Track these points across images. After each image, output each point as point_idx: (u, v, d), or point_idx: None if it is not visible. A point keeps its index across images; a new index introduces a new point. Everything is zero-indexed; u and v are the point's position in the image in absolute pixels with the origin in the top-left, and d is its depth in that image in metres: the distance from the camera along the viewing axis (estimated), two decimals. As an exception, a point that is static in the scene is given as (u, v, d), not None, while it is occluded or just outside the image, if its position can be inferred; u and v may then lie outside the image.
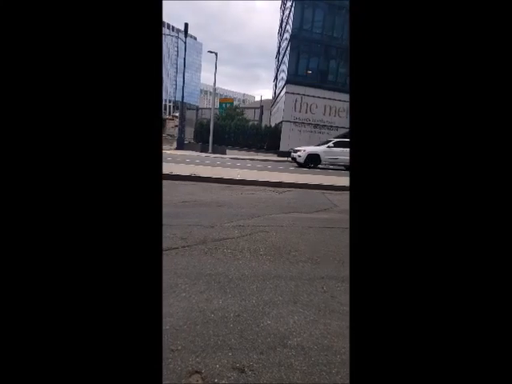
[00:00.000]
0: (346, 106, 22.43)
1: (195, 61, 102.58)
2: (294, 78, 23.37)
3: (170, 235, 2.54)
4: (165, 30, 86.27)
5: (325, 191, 6.09)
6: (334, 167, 13.03)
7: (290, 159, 13.58)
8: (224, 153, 19.14)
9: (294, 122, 23.31)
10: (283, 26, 30.73)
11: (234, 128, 21.58)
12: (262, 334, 1.33)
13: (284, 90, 24.19)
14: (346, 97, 21.22)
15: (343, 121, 23.06)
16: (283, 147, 21.92)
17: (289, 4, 26.52)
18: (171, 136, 26.37)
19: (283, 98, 24.12)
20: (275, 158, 19.22)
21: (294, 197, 5.22)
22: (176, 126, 26.69)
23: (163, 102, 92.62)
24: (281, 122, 23.70)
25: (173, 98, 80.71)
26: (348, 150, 12.33)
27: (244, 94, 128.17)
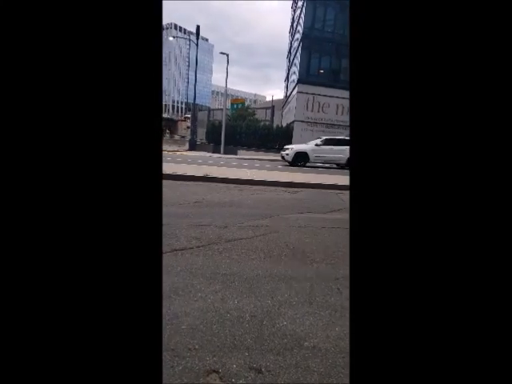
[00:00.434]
0: (359, 104, 21.98)
1: (206, 62, 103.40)
2: (306, 78, 23.23)
3: (184, 235, 2.57)
4: (176, 33, 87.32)
5: (337, 191, 6.03)
6: (330, 165, 12.84)
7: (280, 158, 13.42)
8: (236, 153, 19.21)
9: (306, 122, 23.17)
10: (294, 25, 30.60)
11: (246, 128, 21.61)
12: (278, 335, 1.33)
13: (296, 89, 24.08)
14: (359, 96, 20.81)
15: (356, 120, 22.66)
16: (295, 147, 21.79)
17: (300, 3, 26.40)
18: (183, 137, 26.63)
19: (295, 98, 24.01)
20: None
21: (306, 197, 5.19)
22: (188, 127, 26.94)
23: (175, 104, 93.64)
24: (292, 122, 23.60)
25: (185, 100, 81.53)
26: (336, 147, 12.23)
27: (255, 95, 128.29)
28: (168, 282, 1.73)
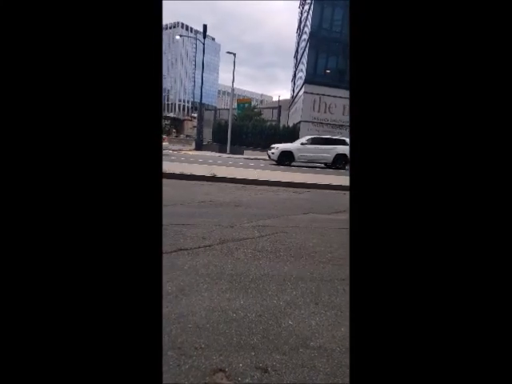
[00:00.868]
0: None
1: (213, 61, 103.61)
2: (313, 78, 23.16)
3: (190, 235, 2.59)
4: (183, 32, 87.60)
5: (342, 192, 6.00)
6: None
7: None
8: (242, 153, 19.23)
9: (313, 122, 23.09)
10: (302, 25, 30.51)
11: (252, 128, 21.62)
12: (284, 335, 1.33)
13: (302, 89, 24.01)
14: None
15: (363, 120, 22.53)
16: (301, 147, 21.74)
17: (308, 3, 26.30)
18: (189, 137, 26.71)
19: (302, 98, 23.95)
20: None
21: (311, 197, 5.18)
22: (194, 126, 27.01)
23: (181, 103, 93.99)
24: (299, 123, 23.54)
25: (191, 99, 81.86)
26: (322, 147, 12.20)
27: (261, 95, 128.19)
28: (174, 281, 1.75)
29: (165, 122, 27.56)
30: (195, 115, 30.29)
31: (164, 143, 13.37)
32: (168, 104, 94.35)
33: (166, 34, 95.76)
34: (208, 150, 20.77)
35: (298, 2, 34.38)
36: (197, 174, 6.05)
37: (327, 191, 6.01)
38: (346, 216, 3.86)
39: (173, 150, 16.35)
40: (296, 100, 28.64)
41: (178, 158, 11.13)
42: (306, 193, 5.61)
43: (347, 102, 22.66)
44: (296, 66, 32.73)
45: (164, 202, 3.60)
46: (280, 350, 1.23)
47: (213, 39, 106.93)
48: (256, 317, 1.46)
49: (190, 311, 1.46)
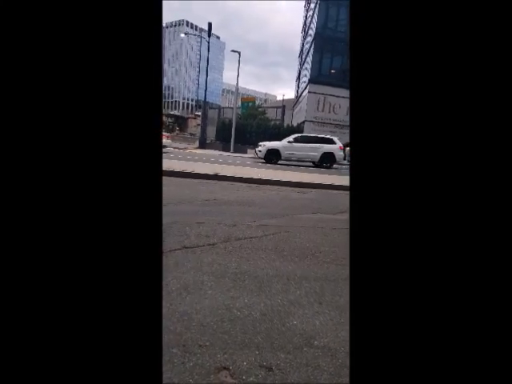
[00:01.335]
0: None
1: (218, 60, 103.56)
2: (318, 78, 23.09)
3: (194, 233, 2.59)
4: (188, 29, 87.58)
5: (344, 192, 5.98)
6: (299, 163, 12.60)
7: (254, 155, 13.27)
8: (245, 152, 19.22)
9: (317, 122, 23.03)
10: (307, 24, 30.42)
11: (256, 127, 21.59)
12: (288, 334, 1.33)
13: (307, 89, 23.95)
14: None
15: (367, 120, 22.48)
16: (305, 147, 21.70)
17: (313, 2, 26.20)
18: (193, 135, 26.74)
19: (306, 98, 23.89)
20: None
21: (315, 197, 5.17)
22: (198, 124, 27.03)
23: (185, 101, 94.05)
24: (303, 122, 23.49)
25: (195, 97, 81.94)
26: (309, 145, 12.09)
27: (265, 94, 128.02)
28: (178, 279, 1.75)
29: (168, 120, 27.59)
30: (199, 113, 30.30)
31: (167, 141, 13.30)
32: (172, 102, 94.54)
33: (170, 32, 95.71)
34: (211, 148, 20.78)
35: (303, 2, 34.26)
36: (200, 173, 6.06)
37: (330, 191, 6.00)
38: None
39: (178, 149, 16.35)
40: (300, 100, 28.57)
41: (184, 156, 11.15)
42: (310, 192, 5.60)
43: (352, 102, 22.56)
44: (301, 66, 32.65)
45: (168, 200, 3.63)
46: (284, 349, 1.23)
47: (217, 38, 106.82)
48: (260, 315, 1.46)
49: (194, 309, 1.46)
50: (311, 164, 12.68)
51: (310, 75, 23.50)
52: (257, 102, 37.79)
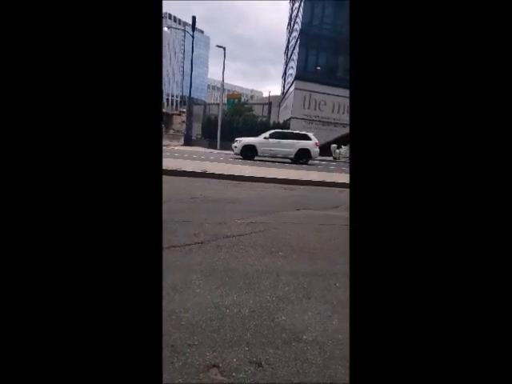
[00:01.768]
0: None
1: (202, 55, 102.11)
2: (303, 75, 23.18)
3: (182, 231, 2.57)
4: (171, 23, 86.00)
5: (335, 189, 6.06)
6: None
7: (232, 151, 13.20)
8: (232, 149, 19.14)
9: (303, 119, 23.17)
10: (292, 21, 30.44)
11: (243, 124, 21.51)
12: (277, 330, 1.35)
13: (293, 86, 24.03)
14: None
15: (352, 117, 22.79)
16: (291, 144, 21.80)
17: (298, 0, 26.23)
18: (178, 131, 26.41)
19: (292, 95, 23.97)
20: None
21: (303, 194, 5.21)
22: (183, 121, 26.70)
23: (169, 97, 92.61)
24: (289, 119, 23.57)
25: (180, 93, 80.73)
26: (284, 141, 12.14)
27: (252, 90, 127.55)
28: (166, 278, 1.74)
29: (153, 117, 27.12)
30: (184, 110, 29.90)
31: None
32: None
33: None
34: (197, 145, 20.60)
35: (289, -2, 34.23)
36: (187, 170, 6.00)
37: (315, 188, 6.06)
38: (338, 212, 3.91)
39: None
40: (287, 96, 28.64)
41: (172, 154, 11.00)
42: (298, 189, 5.64)
43: (337, 100, 22.88)
44: (286, 63, 32.69)
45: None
46: (273, 345, 1.24)
47: (201, 32, 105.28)
48: (249, 312, 1.46)
49: (182, 308, 1.46)
50: (288, 160, 12.67)
51: (296, 72, 23.57)
52: (243, 99, 37.64)
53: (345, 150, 19.37)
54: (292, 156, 12.33)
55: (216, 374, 1.08)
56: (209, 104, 32.54)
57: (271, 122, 23.03)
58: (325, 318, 1.46)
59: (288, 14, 34.38)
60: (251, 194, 4.69)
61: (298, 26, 24.85)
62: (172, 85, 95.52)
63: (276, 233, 2.78)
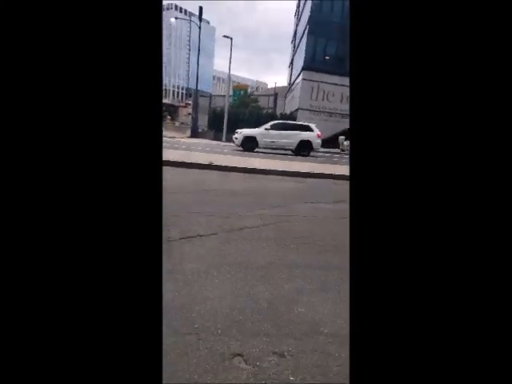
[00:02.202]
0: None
1: (208, 46, 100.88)
2: (312, 64, 22.82)
3: (194, 223, 2.60)
4: (177, 14, 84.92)
5: (344, 181, 6.03)
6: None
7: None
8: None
9: (310, 110, 22.93)
10: (300, 8, 29.84)
11: (249, 115, 21.41)
12: (295, 321, 1.37)
13: (300, 76, 23.70)
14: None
15: (360, 109, 22.45)
16: (298, 135, 21.63)
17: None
18: (184, 123, 26.38)
19: (299, 85, 23.67)
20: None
21: (312, 187, 5.20)
22: (189, 113, 26.62)
23: (175, 89, 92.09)
24: (296, 110, 23.34)
25: (185, 85, 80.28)
26: (285, 132, 11.92)
27: (257, 81, 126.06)
28: (182, 269, 1.77)
29: (159, 109, 27.12)
30: (190, 102, 29.77)
31: None
32: (162, 90, 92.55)
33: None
34: (203, 137, 20.58)
35: (296, -14, 33.48)
36: (194, 162, 6.02)
37: (323, 180, 6.04)
38: (346, 206, 3.90)
39: (169, 137, 16.12)
40: (293, 87, 28.31)
41: (180, 146, 11.02)
42: (306, 182, 5.63)
43: (345, 90, 22.50)
44: (294, 52, 32.18)
45: (164, 190, 3.60)
46: (293, 336, 1.27)
47: (208, 22, 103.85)
48: (267, 304, 1.49)
49: (203, 298, 1.49)
50: (290, 152, 12.51)
51: (304, 62, 23.21)
52: (248, 90, 37.30)
53: None
54: (293, 148, 12.15)
55: (240, 363, 1.11)
56: (214, 96, 32.33)
57: (278, 113, 22.84)
58: (343, 311, 1.48)
59: (296, 1, 33.68)
60: (259, 187, 4.70)
61: (306, 14, 24.35)
62: (177, 76, 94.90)
63: (288, 226, 2.79)
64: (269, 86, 70.42)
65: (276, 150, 12.54)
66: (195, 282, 1.64)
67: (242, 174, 5.72)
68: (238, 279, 1.71)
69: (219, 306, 1.44)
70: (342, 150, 18.81)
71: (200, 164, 5.96)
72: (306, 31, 23.41)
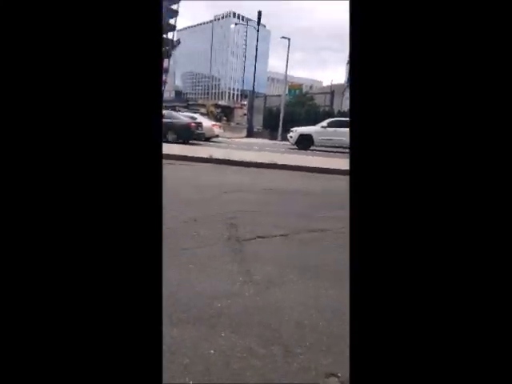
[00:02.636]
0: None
1: (263, 49, 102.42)
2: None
3: (263, 222, 2.53)
4: (235, 20, 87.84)
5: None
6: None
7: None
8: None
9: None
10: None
11: (305, 114, 21.04)
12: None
13: (359, 72, 22.59)
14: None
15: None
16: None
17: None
18: (240, 124, 27.09)
19: (357, 81, 22.56)
20: (347, 145, 18.22)
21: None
22: (244, 114, 27.26)
23: (230, 91, 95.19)
24: (354, 107, 22.26)
25: (240, 87, 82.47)
26: (342, 129, 10.99)
27: (311, 80, 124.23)
28: (261, 270, 1.69)
29: (216, 110, 28.46)
30: (245, 103, 30.48)
31: (219, 130, 13.55)
32: (219, 92, 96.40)
33: (219, 25, 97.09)
34: (259, 137, 20.78)
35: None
36: (257, 161, 6.03)
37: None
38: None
39: (227, 138, 16.57)
40: (351, 84, 27.10)
41: (239, 146, 11.27)
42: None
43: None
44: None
45: (231, 188, 3.62)
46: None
47: (264, 26, 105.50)
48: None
49: (286, 305, 1.39)
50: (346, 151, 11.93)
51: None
52: (303, 89, 36.84)
53: None
54: (346, 145, 11.57)
55: (337, 384, 0.98)
56: (269, 96, 32.58)
57: (335, 110, 22.05)
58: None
59: None
60: (328, 186, 4.49)
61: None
62: (232, 79, 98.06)
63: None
64: (324, 84, 68.79)
65: (332, 148, 12.06)
66: (275, 286, 1.54)
67: (303, 173, 5.55)
68: (321, 285, 1.58)
69: (305, 315, 1.32)
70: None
71: (263, 163, 5.95)
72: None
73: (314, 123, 13.19)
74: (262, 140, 18.28)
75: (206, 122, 12.28)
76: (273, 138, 19.62)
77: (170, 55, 32.14)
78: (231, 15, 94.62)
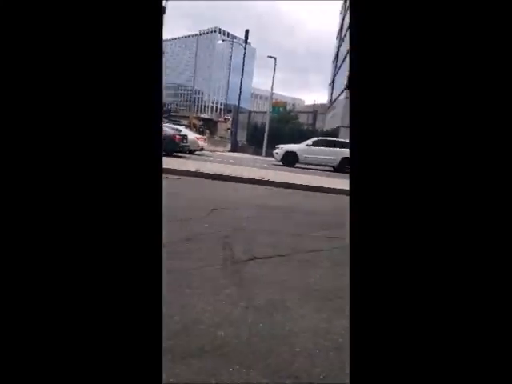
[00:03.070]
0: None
1: (248, 66, 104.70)
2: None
3: (260, 242, 2.48)
4: (220, 36, 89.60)
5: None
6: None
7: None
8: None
9: (352, 128, 22.45)
10: (344, 29, 29.96)
11: (289, 131, 21.45)
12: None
13: (343, 94, 23.48)
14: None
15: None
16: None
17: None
18: (223, 138, 27.13)
19: (343, 104, 23.42)
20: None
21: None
22: (228, 128, 27.38)
23: (214, 104, 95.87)
24: (338, 127, 23.02)
25: (223, 101, 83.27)
26: (328, 149, 11.72)
27: (293, 98, 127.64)
28: (262, 294, 1.63)
29: (199, 123, 28.45)
30: (229, 117, 30.69)
31: (204, 144, 13.51)
32: (201, 105, 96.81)
33: (205, 39, 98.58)
34: (243, 151, 20.87)
35: (339, 6, 33.86)
36: (248, 177, 6.00)
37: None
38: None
39: (212, 151, 16.55)
40: (335, 105, 28.11)
41: (225, 159, 11.22)
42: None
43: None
44: (335, 71, 32.17)
45: (221, 205, 3.56)
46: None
47: (249, 44, 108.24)
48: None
49: (291, 332, 1.33)
50: (331, 169, 12.30)
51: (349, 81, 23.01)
52: (287, 107, 37.69)
53: None
54: (335, 164, 11.98)
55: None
56: (253, 112, 33.05)
57: (319, 129, 22.65)
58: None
59: (339, 23, 33.90)
60: (321, 205, 4.52)
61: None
62: (216, 92, 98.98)
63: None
64: (306, 103, 70.76)
65: (316, 166, 12.31)
66: (277, 312, 1.49)
67: (292, 190, 5.58)
68: (324, 310, 1.54)
69: (313, 343, 1.28)
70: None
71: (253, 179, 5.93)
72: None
73: (297, 141, 13.47)
74: (246, 155, 18.37)
75: (191, 135, 12.23)
76: (257, 153, 19.76)
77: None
78: (217, 31, 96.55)
